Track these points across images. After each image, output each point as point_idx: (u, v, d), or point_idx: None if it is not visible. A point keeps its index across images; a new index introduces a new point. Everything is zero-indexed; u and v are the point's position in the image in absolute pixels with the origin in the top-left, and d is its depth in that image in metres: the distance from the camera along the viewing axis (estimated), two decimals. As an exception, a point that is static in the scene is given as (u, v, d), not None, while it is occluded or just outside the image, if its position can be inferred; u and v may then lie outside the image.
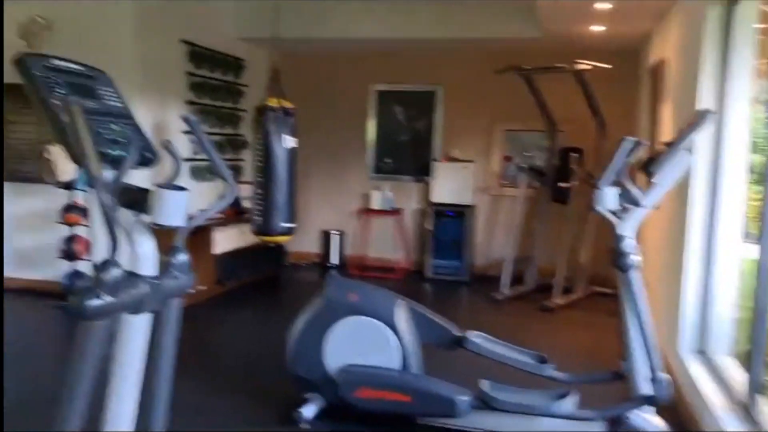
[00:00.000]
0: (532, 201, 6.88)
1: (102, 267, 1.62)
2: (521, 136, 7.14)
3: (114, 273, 1.63)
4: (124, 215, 1.78)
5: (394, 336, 3.10)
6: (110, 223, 1.59)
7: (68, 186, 5.18)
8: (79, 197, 5.32)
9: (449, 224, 6.93)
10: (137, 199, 1.79)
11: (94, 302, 1.59)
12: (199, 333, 4.69)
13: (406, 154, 7.48)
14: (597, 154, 6.25)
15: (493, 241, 7.30)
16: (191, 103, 6.09)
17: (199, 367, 3.93)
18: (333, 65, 7.53)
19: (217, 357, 4.29)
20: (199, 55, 6.11)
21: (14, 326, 4.94)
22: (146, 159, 1.87)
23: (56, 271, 5.50)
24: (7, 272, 5.73)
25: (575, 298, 6.13)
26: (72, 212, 5.25)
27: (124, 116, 1.92)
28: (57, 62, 1.82)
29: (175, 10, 5.84)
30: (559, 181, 6.21)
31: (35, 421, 3.13)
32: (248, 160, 6.82)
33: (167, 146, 1.88)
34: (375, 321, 3.09)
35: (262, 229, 4.74)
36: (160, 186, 1.75)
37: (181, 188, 1.78)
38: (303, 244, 7.53)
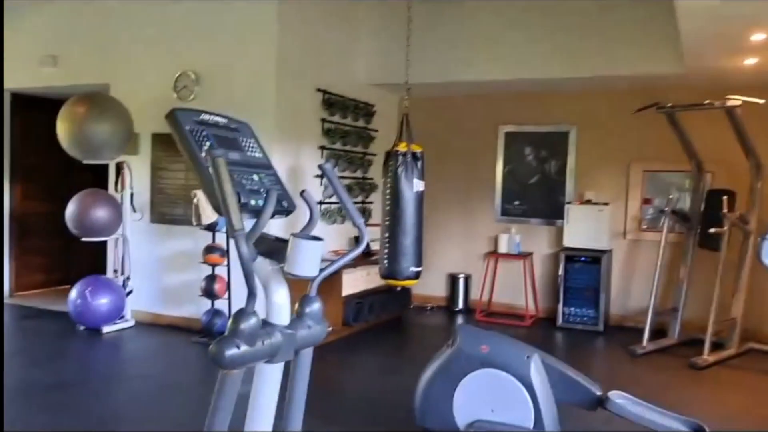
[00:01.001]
0: (675, 247, 6.40)
1: (240, 316, 1.64)
2: (662, 177, 6.69)
3: (251, 322, 1.64)
4: (261, 264, 1.81)
5: (528, 392, 2.92)
6: (248, 273, 1.61)
7: (211, 228, 5.48)
8: (220, 239, 5.62)
9: (583, 270, 6.58)
10: (274, 249, 1.81)
11: (232, 352, 1.61)
12: (326, 375, 4.72)
13: (536, 197, 7.25)
14: (750, 198, 5.71)
15: (631, 289, 6.83)
16: (324, 148, 6.30)
17: (326, 411, 3.93)
18: (461, 107, 7.52)
19: (344, 401, 4.28)
20: (332, 101, 6.34)
21: (159, 359, 5.25)
22: (284, 208, 1.90)
23: (198, 308, 5.82)
24: (156, 309, 6.14)
25: (728, 355, 5.54)
26: (213, 253, 5.54)
27: (264, 166, 1.97)
28: (204, 116, 1.91)
29: (312, 60, 6.11)
30: (707, 225, 5.71)
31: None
32: (377, 203, 6.92)
33: (304, 196, 1.90)
34: (508, 375, 2.93)
35: (390, 273, 4.73)
36: (297, 236, 1.76)
37: (317, 239, 1.78)
38: (428, 287, 7.47)
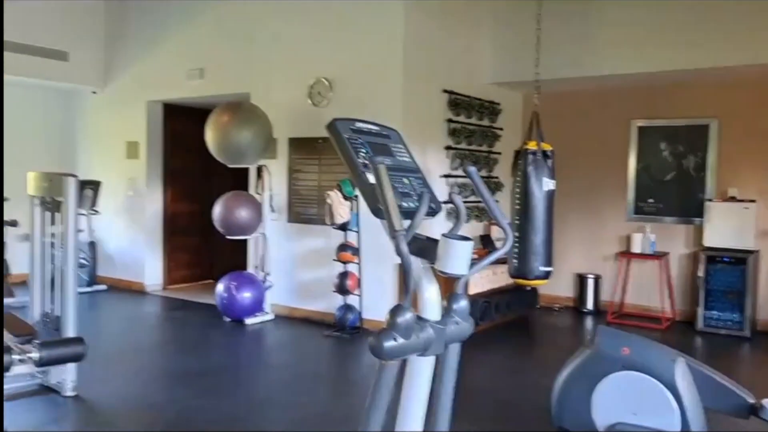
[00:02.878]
0: (834, 247, 5.86)
1: (397, 311, 1.75)
2: (818, 171, 6.14)
3: (407, 317, 1.75)
4: (414, 263, 1.91)
5: (674, 397, 2.83)
6: (406, 271, 1.71)
7: (343, 227, 5.73)
8: (352, 237, 5.86)
9: (725, 271, 6.19)
10: (425, 248, 1.91)
11: (390, 344, 1.72)
12: (459, 372, 4.78)
13: (672, 194, 6.90)
14: None
15: (782, 292, 6.33)
16: (449, 148, 6.38)
17: (459, 410, 4.00)
18: (590, 102, 7.31)
19: (475, 400, 4.33)
20: (458, 102, 6.40)
21: (297, 350, 5.58)
22: (432, 210, 1.99)
23: (330, 303, 6.10)
24: (292, 303, 6.51)
25: None
26: (345, 251, 5.79)
27: (413, 170, 2.08)
28: (359, 124, 2.04)
29: (438, 61, 6.22)
30: None
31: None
32: (503, 202, 6.90)
33: (453, 198, 1.99)
34: (652, 379, 2.85)
35: (519, 272, 4.73)
36: (447, 236, 1.85)
37: (466, 239, 1.86)
38: (556, 287, 7.33)
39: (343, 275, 5.82)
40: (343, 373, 5.11)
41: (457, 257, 1.85)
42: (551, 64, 6.13)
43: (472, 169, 2.05)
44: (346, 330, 5.83)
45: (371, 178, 1.85)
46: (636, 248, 6.79)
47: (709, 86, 6.62)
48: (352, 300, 5.90)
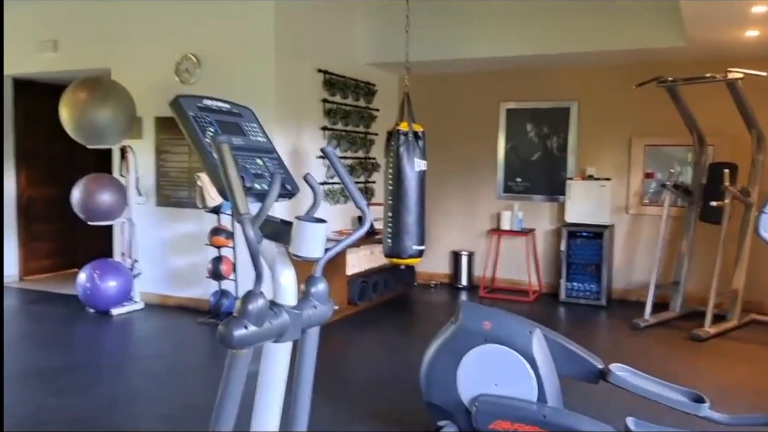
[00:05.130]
0: (677, 221, 6.44)
1: (247, 298, 1.69)
2: (664, 151, 6.70)
3: (259, 304, 1.69)
4: (267, 247, 1.85)
5: (531, 367, 2.98)
6: (254, 256, 1.65)
7: (216, 210, 5.53)
8: (225, 221, 5.67)
9: (585, 245, 6.62)
10: (279, 232, 1.85)
11: (241, 332, 1.66)
12: (332, 354, 4.79)
13: (538, 173, 7.27)
14: (752, 171, 5.72)
15: (634, 263, 6.88)
16: (325, 128, 6.32)
17: (332, 390, 4.01)
18: (462, 85, 7.51)
19: (349, 379, 4.36)
20: (333, 82, 6.34)
21: (169, 340, 5.34)
22: (288, 191, 1.94)
23: (205, 289, 5.89)
24: (163, 290, 6.22)
25: (729, 327, 5.61)
26: (219, 235, 5.60)
27: (267, 150, 2.01)
28: (207, 102, 1.94)
29: (312, 41, 6.11)
30: (709, 199, 5.74)
31: (189, 428, 3.35)
32: (379, 182, 6.96)
33: (308, 179, 1.94)
34: (511, 350, 2.98)
35: (394, 252, 4.79)
36: (301, 219, 1.80)
37: (321, 221, 1.82)
38: (432, 264, 7.53)
39: (217, 260, 5.63)
40: (217, 361, 4.94)
41: (312, 240, 1.81)
42: (422, 46, 6.24)
43: (329, 149, 2.02)
44: (221, 316, 5.65)
45: (217, 157, 1.76)
46: (505, 225, 7.10)
47: (570, 71, 7.00)
48: (228, 285, 5.73)
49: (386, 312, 6.28)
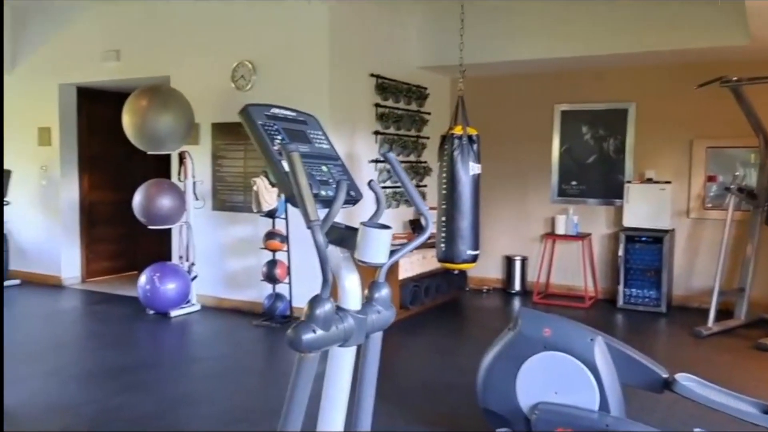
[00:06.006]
0: (741, 225, 6.21)
1: (315, 302, 1.70)
2: (727, 153, 6.47)
3: (326, 308, 1.70)
4: (332, 252, 1.87)
5: (593, 375, 2.91)
6: (323, 261, 1.67)
7: (270, 214, 5.62)
8: (280, 225, 5.75)
9: (644, 250, 6.45)
10: (344, 237, 1.86)
11: (309, 336, 1.67)
12: (384, 357, 4.77)
13: (594, 176, 7.12)
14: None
15: (695, 269, 6.67)
16: (378, 133, 6.34)
17: (385, 393, 4.01)
18: (515, 87, 7.43)
19: (402, 383, 4.35)
20: (385, 86, 6.37)
21: (225, 342, 5.44)
22: (352, 198, 1.95)
23: (259, 292, 5.99)
24: (219, 293, 6.35)
25: (799, 337, 5.37)
26: (273, 239, 5.68)
27: (332, 157, 2.03)
28: (275, 110, 1.97)
29: (364, 46, 6.15)
30: (776, 202, 5.52)
31: (248, 429, 3.40)
32: (431, 186, 6.94)
33: (371, 185, 1.95)
34: (572, 358, 2.93)
35: (447, 257, 4.78)
36: (366, 225, 1.81)
37: (385, 227, 1.83)
38: (484, 269, 7.46)
39: (272, 263, 5.71)
40: (272, 363, 5.03)
41: (376, 246, 1.82)
42: (476, 49, 6.19)
43: (391, 154, 2.02)
44: (275, 319, 5.74)
45: (286, 165, 1.79)
46: (560, 229, 6.99)
47: (627, 71, 6.85)
48: (282, 288, 5.81)
49: (438, 317, 6.25)
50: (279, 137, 1.88)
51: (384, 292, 1.96)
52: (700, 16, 5.58)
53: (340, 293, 1.88)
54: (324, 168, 1.95)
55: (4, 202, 7.30)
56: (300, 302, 5.79)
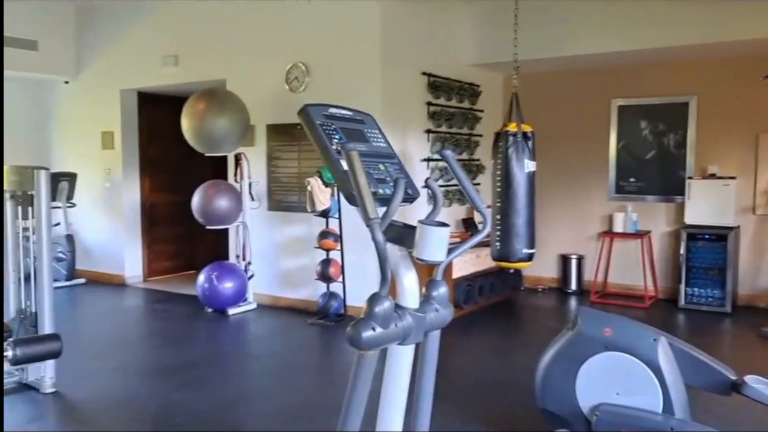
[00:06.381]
0: (813, 222, 5.92)
1: (374, 300, 1.71)
2: (796, 146, 6.18)
3: (385, 306, 1.71)
4: (390, 250, 1.87)
5: (656, 376, 2.83)
6: (383, 259, 1.67)
7: (324, 214, 5.68)
8: (334, 224, 5.80)
9: (707, 248, 6.23)
10: (402, 235, 1.86)
11: (369, 333, 1.68)
12: (440, 357, 4.77)
13: (653, 173, 6.91)
14: None
15: (762, 267, 6.40)
16: (430, 131, 6.33)
17: (440, 392, 3.99)
18: (570, 82, 7.28)
19: (457, 382, 4.33)
20: (437, 84, 6.34)
21: (281, 339, 5.53)
22: (409, 196, 1.95)
23: (313, 291, 6.06)
24: (274, 291, 6.46)
25: None
26: (327, 238, 5.74)
27: (389, 156, 2.03)
28: (333, 110, 1.98)
29: (416, 45, 6.14)
30: None
31: (305, 427, 3.45)
32: (484, 184, 6.88)
33: (429, 184, 1.94)
34: (634, 359, 2.85)
35: (502, 255, 4.72)
36: (425, 223, 1.81)
37: (444, 225, 1.82)
38: (539, 268, 7.34)
39: (326, 262, 5.77)
40: (327, 361, 5.08)
41: (435, 244, 1.81)
42: (529, 45, 6.09)
43: (449, 152, 2.01)
44: (330, 318, 5.79)
45: (345, 164, 1.80)
46: (618, 227, 6.82)
47: (688, 64, 6.62)
48: (336, 287, 5.86)
49: (492, 316, 6.19)
50: (337, 136, 1.89)
51: (442, 291, 1.95)
52: (764, 5, 5.34)
53: (398, 291, 1.89)
54: (381, 166, 1.95)
55: (72, 204, 7.61)
56: (353, 301, 5.84)
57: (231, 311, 6.12)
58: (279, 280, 6.44)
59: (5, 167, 4.33)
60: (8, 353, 3.28)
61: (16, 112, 8.15)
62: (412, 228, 1.86)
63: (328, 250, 5.77)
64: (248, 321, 6.03)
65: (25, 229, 4.34)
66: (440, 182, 6.37)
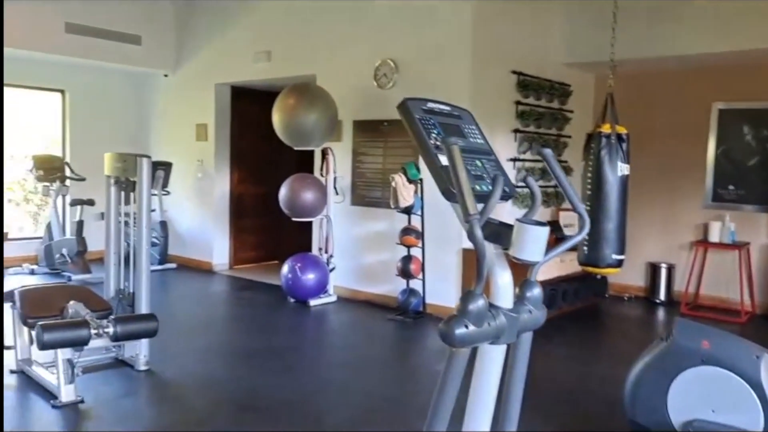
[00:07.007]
0: None
1: (468, 298, 1.69)
2: None
3: (479, 304, 1.69)
4: (486, 248, 1.85)
5: (757, 395, 2.67)
6: (481, 256, 1.65)
7: (407, 211, 5.69)
8: (416, 221, 5.81)
9: (813, 264, 5.81)
10: (499, 233, 1.84)
11: (462, 331, 1.67)
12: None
13: (755, 181, 6.52)
14: None
15: None
16: (517, 131, 6.22)
17: (526, 399, 3.92)
18: (666, 84, 6.96)
19: (539, 387, 4.23)
20: (527, 83, 6.22)
21: (360, 333, 5.60)
22: (506, 194, 1.92)
23: (393, 286, 6.09)
24: (354, 285, 6.54)
25: None
26: (409, 235, 5.75)
27: (486, 152, 2.01)
28: (431, 105, 1.98)
29: (507, 43, 6.05)
30: None
31: (386, 421, 3.47)
32: (573, 186, 6.68)
33: (528, 182, 1.91)
34: (734, 375, 2.70)
35: (590, 260, 4.57)
36: (523, 221, 1.77)
37: (542, 224, 1.78)
38: (626, 275, 7.06)
39: (407, 259, 5.79)
40: (406, 357, 5.10)
41: (533, 243, 1.78)
42: (629, 43, 5.85)
43: (548, 151, 1.96)
44: (409, 314, 5.80)
45: (443, 159, 1.79)
46: (714, 237, 6.47)
47: (800, 65, 6.20)
48: (415, 284, 5.87)
49: (575, 322, 6.02)
50: (435, 131, 1.89)
51: (536, 292, 1.91)
52: None
53: (492, 290, 1.86)
54: (478, 163, 1.93)
55: (166, 192, 7.99)
56: (433, 299, 5.82)
57: (312, 302, 6.24)
58: (359, 274, 6.52)
59: (107, 154, 4.59)
60: (109, 329, 3.48)
61: (119, 102, 8.64)
62: (509, 226, 1.83)
63: (409, 247, 5.79)
64: (328, 313, 6.14)
65: (126, 214, 4.59)
66: (522, 183, 6.24)
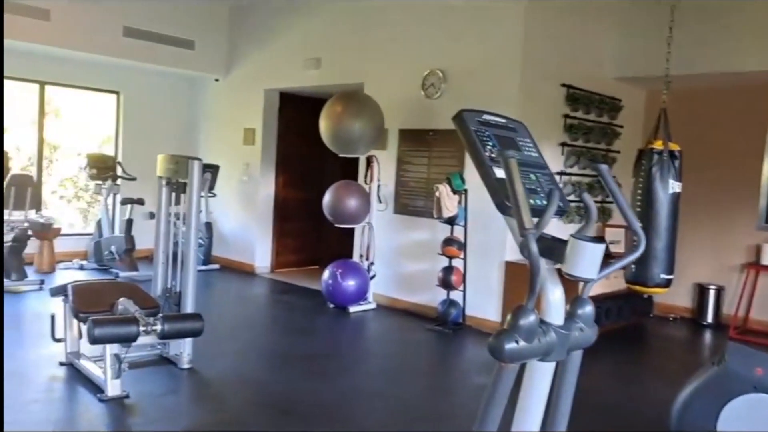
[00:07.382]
0: None
1: (520, 312, 1.68)
2: None
3: (530, 319, 1.67)
4: (540, 264, 1.83)
5: (815, 427, 2.57)
6: (535, 271, 1.63)
7: (450, 221, 5.67)
8: (458, 232, 5.78)
9: None
10: (552, 249, 1.81)
11: (512, 346, 1.65)
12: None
13: (813, 203, 6.29)
14: None
15: None
16: (565, 144, 6.14)
17: (572, 416, 3.85)
18: (720, 101, 6.78)
19: (584, 406, 4.14)
20: (576, 97, 6.15)
21: (399, 341, 5.59)
22: (560, 208, 1.89)
23: (432, 296, 6.06)
24: (394, 293, 6.54)
25: None
26: (451, 245, 5.72)
27: (541, 166, 1.99)
28: (486, 116, 1.97)
29: (557, 56, 5.99)
30: None
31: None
32: (618, 202, 6.56)
33: (584, 197, 1.88)
34: (790, 404, 2.61)
35: (638, 279, 4.47)
36: (578, 238, 1.75)
37: (599, 241, 1.75)
38: (672, 296, 6.86)
39: (448, 270, 5.76)
40: (444, 369, 5.07)
41: (588, 260, 1.75)
42: (685, 59, 5.73)
43: (604, 166, 1.94)
44: (448, 325, 5.77)
45: (498, 172, 1.79)
46: (767, 260, 6.26)
47: None
48: (455, 295, 5.83)
49: (619, 341, 5.89)
50: (490, 143, 1.88)
51: (588, 309, 1.88)
52: None
53: (543, 306, 1.84)
54: (532, 176, 1.92)
55: (213, 194, 8.14)
56: (473, 311, 5.78)
57: (352, 309, 6.26)
58: (399, 283, 6.51)
59: (160, 155, 4.70)
60: (157, 327, 3.56)
61: (170, 105, 8.85)
62: (562, 242, 1.81)
63: (451, 258, 5.76)
64: (368, 320, 6.15)
65: (175, 215, 4.69)
66: (572, 198, 6.16)
